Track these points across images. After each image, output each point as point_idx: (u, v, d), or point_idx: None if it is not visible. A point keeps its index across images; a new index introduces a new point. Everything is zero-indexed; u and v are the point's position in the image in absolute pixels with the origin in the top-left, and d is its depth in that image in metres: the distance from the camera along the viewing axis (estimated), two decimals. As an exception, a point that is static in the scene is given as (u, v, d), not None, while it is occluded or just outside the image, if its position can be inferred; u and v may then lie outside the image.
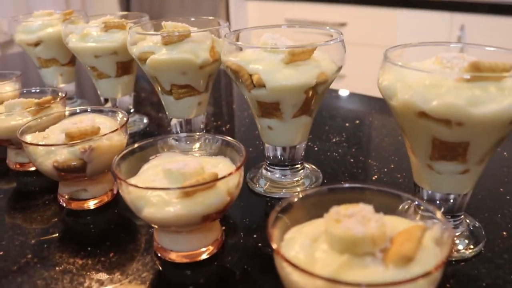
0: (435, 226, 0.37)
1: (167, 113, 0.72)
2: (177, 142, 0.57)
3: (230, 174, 0.46)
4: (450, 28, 1.80)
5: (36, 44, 0.86)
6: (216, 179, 0.46)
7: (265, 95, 0.55)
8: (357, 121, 0.84)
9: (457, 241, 0.51)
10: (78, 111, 0.65)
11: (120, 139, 0.59)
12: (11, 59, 1.59)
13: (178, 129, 0.72)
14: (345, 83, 2.10)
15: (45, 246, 0.54)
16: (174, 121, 0.72)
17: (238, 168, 0.47)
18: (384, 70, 0.47)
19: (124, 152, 0.50)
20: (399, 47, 0.49)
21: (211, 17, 0.74)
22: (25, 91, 0.76)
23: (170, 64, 0.63)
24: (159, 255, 0.51)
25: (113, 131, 0.57)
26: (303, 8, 2.20)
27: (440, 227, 0.37)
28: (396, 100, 0.45)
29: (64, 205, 0.61)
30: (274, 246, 0.34)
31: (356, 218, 0.36)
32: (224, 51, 0.58)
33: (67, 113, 0.66)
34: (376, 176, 0.65)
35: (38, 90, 0.75)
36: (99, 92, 0.82)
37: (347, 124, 0.83)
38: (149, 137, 0.79)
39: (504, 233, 0.52)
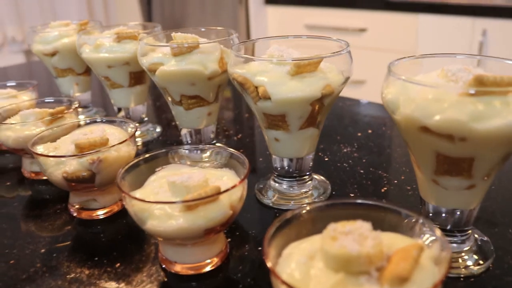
0: (434, 244, 0.37)
1: (177, 123, 0.72)
2: (187, 152, 0.57)
3: (232, 187, 0.46)
4: (472, 33, 1.77)
5: (52, 54, 0.88)
6: (217, 193, 0.46)
7: (270, 107, 0.55)
8: (370, 131, 0.83)
9: (466, 257, 0.50)
10: (88, 121, 0.66)
11: (128, 150, 0.60)
12: (34, 67, 1.63)
13: (188, 139, 0.72)
14: (365, 89, 2.08)
15: (54, 255, 0.55)
16: (184, 131, 0.72)
17: (240, 182, 0.47)
18: (387, 83, 0.46)
19: (129, 165, 0.51)
20: (403, 59, 0.48)
21: (220, 28, 0.75)
22: (41, 101, 0.77)
23: (179, 75, 0.64)
24: (164, 266, 0.51)
25: (120, 143, 0.58)
26: (323, 13, 2.20)
27: (439, 245, 0.36)
28: (399, 114, 0.44)
29: (75, 214, 0.62)
30: (269, 264, 0.34)
31: (353, 235, 0.35)
32: (231, 62, 0.58)
33: (79, 123, 0.67)
34: (385, 188, 0.64)
35: (53, 100, 0.76)
36: (112, 102, 0.84)
37: (359, 134, 0.82)
38: (162, 145, 0.80)
39: (515, 249, 0.51)
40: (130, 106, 0.83)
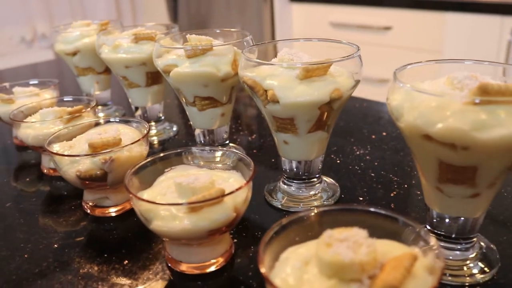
0: (429, 253, 0.37)
1: (191, 123, 0.74)
2: (199, 151, 0.58)
3: (236, 190, 0.47)
4: (500, 32, 1.73)
5: (74, 53, 0.90)
6: (221, 196, 0.47)
7: (279, 110, 0.56)
8: (384, 133, 0.82)
9: (471, 265, 0.49)
10: (103, 121, 0.68)
11: (140, 150, 0.61)
12: (62, 63, 1.67)
13: (202, 139, 0.74)
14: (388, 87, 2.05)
15: (66, 250, 0.57)
16: (197, 131, 0.73)
17: (244, 185, 0.48)
18: (393, 89, 0.46)
19: (137, 166, 0.52)
20: (409, 66, 0.48)
21: (234, 29, 0.75)
22: (61, 99, 0.80)
23: (192, 77, 0.65)
24: (169, 265, 0.53)
25: (133, 143, 0.59)
26: (348, 11, 2.18)
27: (433, 255, 0.36)
28: (403, 122, 0.44)
29: (88, 211, 0.64)
30: (262, 270, 0.35)
31: (347, 243, 0.36)
32: (241, 65, 0.58)
33: (95, 122, 0.69)
34: (395, 192, 0.64)
35: (71, 99, 0.78)
36: (130, 101, 0.86)
37: (373, 136, 0.82)
38: (177, 144, 0.81)
39: (522, 258, 0.50)
40: (147, 105, 0.84)
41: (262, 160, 0.76)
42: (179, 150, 0.56)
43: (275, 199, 0.63)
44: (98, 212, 0.63)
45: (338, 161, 0.73)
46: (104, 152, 0.58)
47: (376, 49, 2.11)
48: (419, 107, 0.42)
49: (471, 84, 0.43)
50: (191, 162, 0.58)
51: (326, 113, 0.56)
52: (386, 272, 0.34)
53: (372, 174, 0.69)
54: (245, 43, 0.69)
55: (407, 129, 0.44)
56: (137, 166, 0.52)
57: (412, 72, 0.49)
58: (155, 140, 0.85)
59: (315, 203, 0.62)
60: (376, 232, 0.39)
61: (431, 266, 0.36)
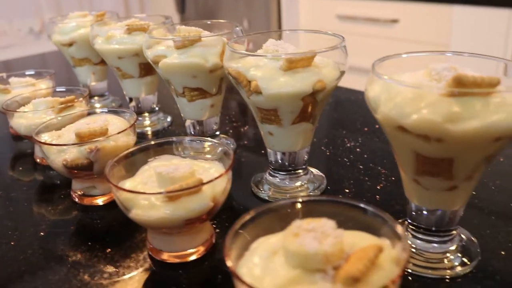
0: (397, 245, 0.37)
1: (182, 114, 0.74)
2: (190, 142, 0.58)
3: (212, 180, 0.47)
4: (508, 25, 1.71)
5: (70, 44, 0.91)
6: (198, 185, 0.47)
7: (262, 101, 0.56)
8: (377, 126, 0.82)
9: (451, 257, 0.49)
10: (93, 111, 0.69)
11: (127, 140, 0.62)
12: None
13: (192, 130, 0.74)
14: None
15: (52, 238, 0.57)
16: (188, 122, 0.74)
17: (222, 175, 0.48)
18: (371, 81, 0.46)
19: (119, 156, 0.53)
20: (388, 58, 0.48)
21: (223, 20, 0.75)
22: (57, 89, 0.81)
23: (180, 68, 0.65)
24: (151, 254, 0.53)
25: (118, 133, 0.60)
26: (355, 4, 2.16)
27: (401, 246, 0.36)
28: (380, 113, 0.44)
29: (77, 200, 0.64)
30: (228, 263, 0.35)
31: (315, 233, 0.36)
32: (226, 56, 0.58)
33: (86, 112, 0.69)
34: (381, 185, 0.63)
35: (64, 89, 0.79)
36: (124, 92, 0.86)
37: (366, 129, 0.81)
38: (171, 135, 0.82)
39: (503, 252, 0.50)
40: (141, 96, 0.85)
41: (253, 151, 0.76)
42: (162, 141, 0.56)
43: (262, 190, 0.63)
44: (86, 201, 0.64)
45: (328, 153, 0.73)
46: (90, 142, 0.58)
47: (382, 42, 2.10)
48: (395, 98, 0.42)
49: (449, 75, 0.42)
50: (182, 153, 0.58)
51: (310, 105, 0.56)
52: (350, 263, 0.34)
53: (361, 166, 0.68)
54: (234, 34, 0.69)
55: (383, 121, 0.44)
56: (119, 156, 0.53)
57: (395, 63, 0.49)
58: (149, 130, 0.86)
59: (302, 194, 0.62)
60: (347, 223, 0.39)
61: (397, 258, 0.36)
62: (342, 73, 0.58)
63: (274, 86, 0.54)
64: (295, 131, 0.58)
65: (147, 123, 0.87)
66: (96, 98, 0.99)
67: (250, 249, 0.39)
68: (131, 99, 0.86)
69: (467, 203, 0.55)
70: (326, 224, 0.37)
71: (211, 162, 0.55)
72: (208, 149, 0.57)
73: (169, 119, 0.90)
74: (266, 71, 0.55)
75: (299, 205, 0.42)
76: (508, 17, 1.70)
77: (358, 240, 0.37)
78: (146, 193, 0.48)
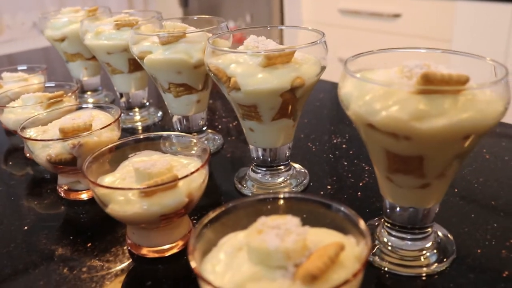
0: (360, 242, 0.37)
1: (169, 110, 0.74)
2: (167, 138, 0.59)
3: (186, 176, 0.48)
4: (511, 21, 1.69)
5: (62, 39, 0.92)
6: (171, 181, 0.47)
7: (242, 98, 0.56)
8: (366, 122, 0.82)
9: (427, 254, 0.49)
10: (80, 107, 0.69)
11: (110, 135, 0.62)
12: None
13: (178, 126, 0.74)
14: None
15: (35, 232, 0.58)
16: (174, 118, 0.74)
17: (196, 171, 0.48)
18: (344, 78, 0.46)
19: (98, 152, 0.53)
20: (362, 54, 0.48)
21: (208, 16, 0.75)
22: (46, 85, 0.81)
23: (165, 64, 0.66)
24: (129, 249, 0.54)
25: (101, 128, 0.60)
26: (357, -2, 2.15)
27: (364, 243, 0.36)
28: (350, 110, 0.44)
29: (62, 195, 0.65)
30: (193, 264, 0.35)
31: (278, 230, 0.36)
32: (207, 53, 0.59)
33: (73, 108, 0.70)
34: (364, 181, 0.63)
35: (53, 84, 0.80)
36: (115, 88, 0.87)
37: (354, 125, 0.81)
38: (160, 130, 0.82)
39: (479, 250, 0.50)
40: (131, 91, 0.85)
41: (240, 147, 0.77)
42: (141, 136, 0.57)
43: (245, 187, 0.64)
44: (72, 196, 0.65)
45: (314, 149, 0.73)
46: (73, 137, 0.59)
47: (385, 37, 2.08)
48: (366, 96, 0.42)
49: (420, 73, 0.42)
50: (169, 148, 0.59)
51: (289, 101, 0.56)
52: (310, 261, 0.34)
53: (345, 163, 0.68)
54: (219, 30, 0.69)
55: (354, 118, 0.44)
56: (97, 152, 0.53)
57: (369, 60, 0.49)
58: (139, 125, 0.86)
59: (286, 190, 0.62)
60: (315, 221, 0.39)
61: (360, 255, 0.36)
62: (323, 68, 0.58)
63: (253, 82, 0.54)
64: (275, 127, 0.59)
65: (138, 118, 0.87)
66: (89, 93, 1.00)
67: (218, 245, 0.39)
68: (121, 95, 0.87)
69: (447, 200, 0.55)
70: (291, 222, 0.37)
71: (191, 158, 0.56)
72: (187, 145, 0.58)
73: (159, 114, 0.90)
74: (245, 68, 0.55)
75: (270, 202, 0.42)
76: (511, 12, 1.68)
77: (323, 238, 0.38)
78: (120, 188, 0.48)
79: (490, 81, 0.41)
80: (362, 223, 0.37)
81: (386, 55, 0.49)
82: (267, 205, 0.42)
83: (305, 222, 0.39)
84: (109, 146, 0.54)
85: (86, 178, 0.49)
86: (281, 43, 0.61)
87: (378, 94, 0.41)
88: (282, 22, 2.42)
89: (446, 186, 0.46)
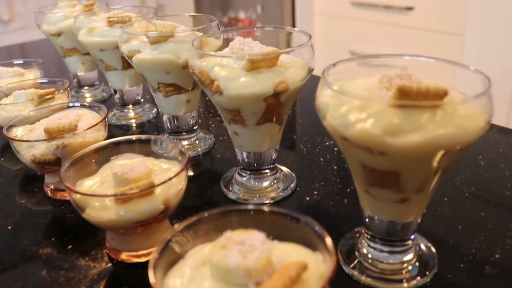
0: (327, 260, 0.36)
1: (159, 109, 0.74)
2: (146, 141, 0.58)
3: (162, 183, 0.47)
4: (526, 15, 1.64)
5: (58, 34, 0.91)
6: (147, 188, 0.47)
7: (225, 102, 0.55)
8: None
9: (408, 268, 0.48)
10: (70, 105, 0.69)
11: (96, 136, 0.62)
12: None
13: (168, 125, 0.74)
14: (409, 70, 1.99)
15: (18, 232, 0.58)
16: (164, 117, 0.73)
17: (172, 178, 0.48)
18: (320, 87, 0.44)
19: (75, 156, 0.53)
20: (340, 62, 0.46)
21: (200, 14, 0.74)
22: (38, 81, 0.81)
23: (152, 64, 0.65)
24: (108, 253, 0.53)
25: (86, 129, 0.60)
26: (369, -10, 2.11)
27: (328, 261, 0.35)
28: (326, 121, 0.43)
29: (49, 194, 0.65)
30: (151, 280, 0.34)
31: (242, 246, 0.35)
32: (191, 55, 0.58)
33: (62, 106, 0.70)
34: (352, 188, 0.62)
35: (46, 80, 0.79)
36: (109, 84, 0.86)
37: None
38: (154, 127, 0.82)
39: (461, 265, 0.48)
40: (125, 88, 0.85)
41: (231, 147, 0.75)
42: (121, 139, 0.56)
43: (231, 191, 0.63)
44: (58, 195, 0.65)
45: (305, 151, 0.72)
46: (57, 138, 0.59)
47: (397, 30, 2.04)
48: (342, 107, 0.41)
49: (400, 83, 0.41)
50: (158, 149, 0.58)
51: (273, 106, 0.55)
52: (270, 281, 0.33)
53: (335, 167, 0.67)
54: (210, 29, 0.67)
55: (330, 130, 0.43)
56: (77, 155, 0.53)
57: (339, 70, 0.47)
58: (133, 122, 0.86)
59: (273, 194, 0.61)
60: (285, 235, 0.38)
61: (324, 274, 0.35)
62: (311, 71, 0.57)
63: (235, 86, 0.53)
64: (260, 131, 0.57)
65: (132, 115, 0.87)
66: (86, 87, 0.99)
67: (185, 257, 0.39)
68: (115, 91, 0.86)
69: (435, 210, 0.53)
70: (256, 237, 0.36)
71: (172, 162, 0.55)
72: (168, 149, 0.57)
73: (154, 110, 0.90)
74: (228, 71, 0.54)
75: (241, 214, 0.41)
76: (526, 6, 1.63)
77: (289, 254, 0.37)
78: (93, 195, 0.48)
79: (472, 94, 0.40)
80: (328, 241, 0.36)
81: (367, 61, 0.48)
82: (238, 217, 0.41)
83: (275, 236, 0.38)
84: (88, 149, 0.54)
85: (62, 183, 0.49)
86: (277, 42, 0.60)
87: (354, 105, 0.40)
88: (293, 13, 2.39)
89: (427, 200, 0.45)
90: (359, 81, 0.46)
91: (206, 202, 0.63)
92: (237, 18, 2.61)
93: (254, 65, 0.53)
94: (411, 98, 0.38)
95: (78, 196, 0.48)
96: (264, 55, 0.52)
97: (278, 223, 0.39)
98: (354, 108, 0.40)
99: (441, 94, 0.38)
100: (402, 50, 1.89)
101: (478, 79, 0.42)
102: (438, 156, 0.39)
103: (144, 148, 0.57)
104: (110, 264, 0.52)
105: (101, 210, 0.48)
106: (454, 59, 0.45)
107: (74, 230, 0.58)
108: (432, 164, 0.40)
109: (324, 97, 0.43)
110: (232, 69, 0.54)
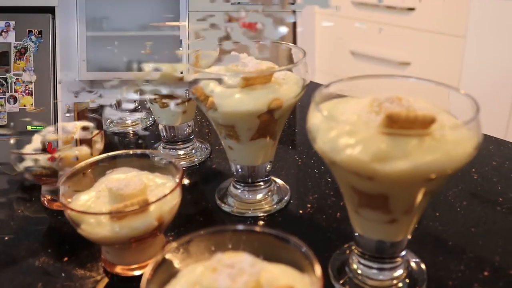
0: (316, 283, 0.36)
1: (155, 118, 0.74)
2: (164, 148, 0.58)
3: (156, 201, 0.48)
4: (529, 20, 1.64)
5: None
6: (141, 206, 0.48)
7: (219, 117, 0.56)
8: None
9: (400, 285, 0.49)
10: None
11: (92, 149, 0.62)
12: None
13: (164, 134, 0.74)
14: (410, 71, 1.99)
15: (13, 243, 0.59)
16: (160, 126, 0.74)
17: (166, 195, 0.49)
18: (312, 109, 0.45)
19: (72, 170, 0.53)
20: (333, 83, 0.47)
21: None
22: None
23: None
24: (103, 266, 0.54)
25: (80, 143, 0.61)
26: (370, -10, 2.11)
27: (316, 285, 0.36)
28: (316, 144, 0.43)
29: (46, 204, 0.66)
30: None
31: (231, 269, 0.36)
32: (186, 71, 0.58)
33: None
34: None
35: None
36: (106, 91, 0.87)
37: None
38: (152, 135, 0.82)
39: (450, 282, 0.49)
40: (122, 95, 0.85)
41: (226, 158, 0.76)
42: (116, 154, 0.57)
43: (226, 204, 0.63)
44: (55, 206, 0.65)
45: (300, 162, 0.73)
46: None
47: (398, 31, 2.04)
48: (331, 131, 0.41)
49: (389, 108, 0.41)
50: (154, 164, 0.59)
51: (267, 122, 0.56)
52: (260, 304, 0.34)
53: (329, 179, 0.68)
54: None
55: (320, 153, 0.43)
56: (71, 170, 0.54)
57: (335, 88, 0.47)
58: (130, 130, 0.87)
59: (266, 207, 0.62)
60: (276, 256, 0.39)
61: (312, 297, 0.36)
62: (304, 87, 0.57)
63: (229, 103, 0.53)
64: (254, 147, 0.58)
65: (129, 123, 0.87)
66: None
67: (177, 277, 0.39)
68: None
69: (426, 225, 0.54)
70: (246, 261, 0.37)
71: (167, 177, 0.55)
72: (184, 155, 0.58)
73: (151, 118, 0.90)
74: (223, 88, 0.54)
75: (232, 234, 0.42)
76: (526, 9, 1.63)
77: (278, 276, 0.37)
78: (86, 212, 0.49)
79: (463, 116, 0.41)
80: (316, 265, 0.36)
81: (359, 83, 0.48)
82: (230, 237, 0.42)
83: (265, 255, 0.39)
84: (84, 163, 0.55)
85: (59, 200, 0.49)
86: (273, 56, 0.61)
87: (344, 130, 0.40)
88: (293, 13, 2.39)
89: (416, 220, 0.46)
90: (351, 101, 0.46)
91: (200, 213, 0.64)
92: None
93: (248, 82, 0.54)
94: (399, 125, 0.39)
95: (73, 212, 0.49)
96: (258, 73, 0.53)
97: (268, 243, 0.40)
98: (344, 133, 0.40)
99: (428, 121, 0.39)
100: (403, 51, 1.89)
101: (468, 103, 0.43)
102: (425, 182, 0.40)
103: (140, 162, 0.57)
104: (105, 277, 0.53)
105: (96, 226, 0.49)
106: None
107: (71, 242, 0.59)
108: (420, 188, 0.41)
109: (315, 119, 0.44)
110: (227, 85, 0.54)
